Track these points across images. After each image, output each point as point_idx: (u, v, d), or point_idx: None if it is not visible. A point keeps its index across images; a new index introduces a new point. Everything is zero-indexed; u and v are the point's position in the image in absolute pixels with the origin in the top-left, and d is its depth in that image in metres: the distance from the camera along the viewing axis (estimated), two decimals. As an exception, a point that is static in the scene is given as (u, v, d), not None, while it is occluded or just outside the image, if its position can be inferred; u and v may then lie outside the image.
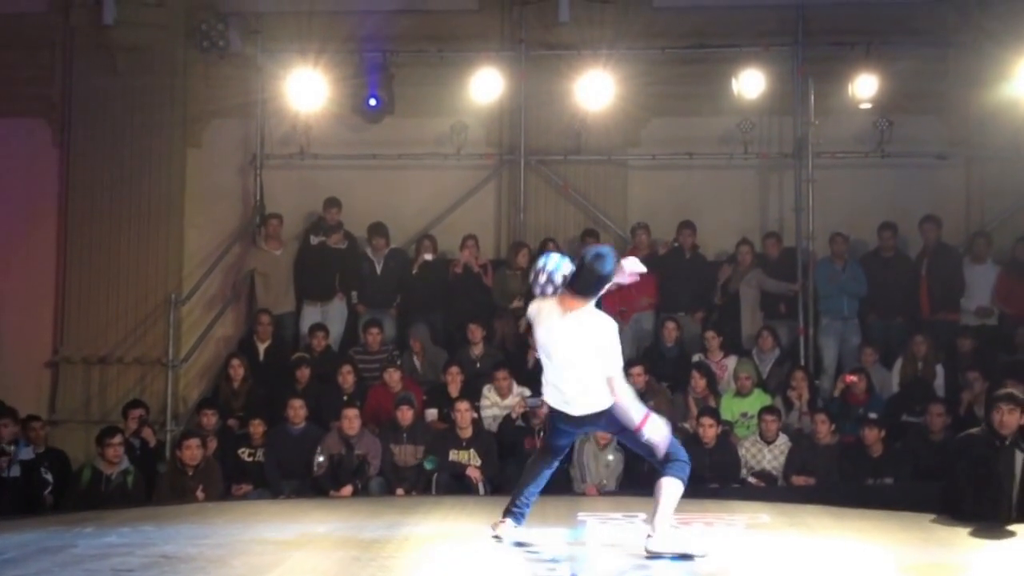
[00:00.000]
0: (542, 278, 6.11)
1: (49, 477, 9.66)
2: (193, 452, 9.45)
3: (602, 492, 9.48)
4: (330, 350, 11.61)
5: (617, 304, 10.26)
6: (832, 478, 9.73)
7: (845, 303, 11.64)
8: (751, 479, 9.86)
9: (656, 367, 10.95)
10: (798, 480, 9.75)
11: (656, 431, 6.05)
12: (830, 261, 11.78)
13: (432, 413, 10.63)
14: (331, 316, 12.03)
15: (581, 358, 5.99)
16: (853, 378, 10.64)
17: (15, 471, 9.64)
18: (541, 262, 6.20)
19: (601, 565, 6.01)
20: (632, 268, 6.33)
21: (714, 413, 10.04)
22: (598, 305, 6.17)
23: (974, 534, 6.93)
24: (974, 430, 7.80)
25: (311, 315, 12.01)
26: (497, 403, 10.52)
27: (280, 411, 10.32)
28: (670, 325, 11.41)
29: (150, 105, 12.58)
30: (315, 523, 7.32)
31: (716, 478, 9.63)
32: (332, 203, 12.15)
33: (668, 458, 6.11)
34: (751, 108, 12.08)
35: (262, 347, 11.69)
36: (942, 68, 12.26)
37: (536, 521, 6.50)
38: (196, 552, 6.14)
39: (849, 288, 11.63)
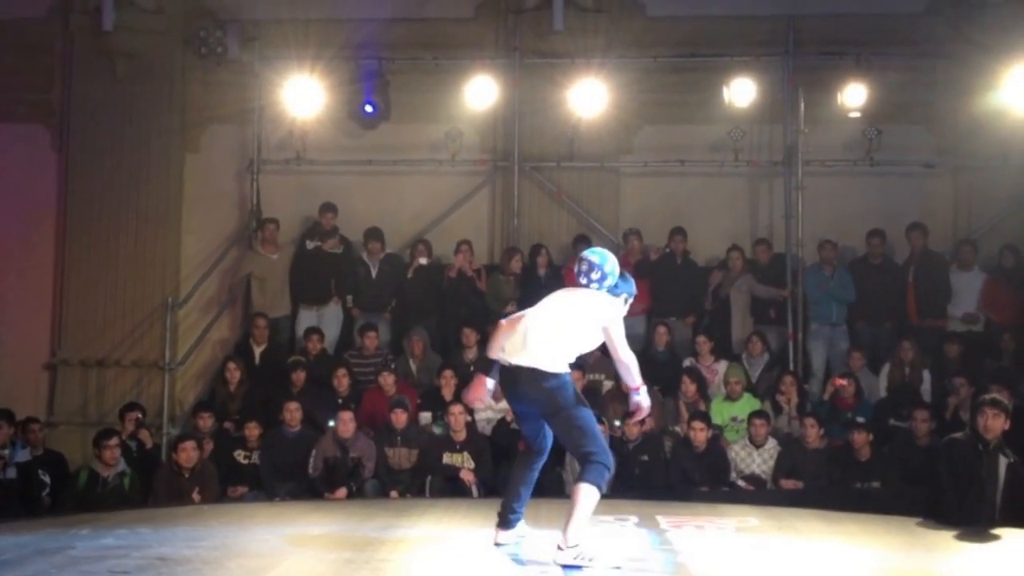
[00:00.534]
0: (595, 274, 6.24)
1: (46, 479, 9.67)
2: (189, 454, 9.47)
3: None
4: (325, 354, 11.65)
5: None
6: (820, 482, 9.75)
7: (834, 309, 11.76)
8: (740, 482, 9.90)
9: (647, 371, 10.89)
10: (787, 484, 9.76)
11: (647, 398, 6.36)
12: (819, 267, 11.88)
13: (426, 416, 10.70)
14: (327, 320, 12.08)
15: (571, 320, 6.14)
16: (842, 382, 10.69)
17: (11, 473, 9.69)
18: (598, 258, 6.29)
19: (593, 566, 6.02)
20: (471, 397, 6.59)
21: (704, 417, 10.09)
22: None
23: (959, 538, 7.00)
24: (958, 434, 7.86)
25: (307, 319, 12.04)
26: (491, 406, 10.52)
27: (276, 414, 10.37)
28: (661, 330, 11.50)
29: (148, 111, 12.64)
30: (310, 525, 7.33)
31: (706, 481, 9.72)
32: (328, 208, 12.21)
33: (590, 458, 5.99)
34: (742, 116, 12.17)
35: (258, 350, 11.76)
36: (930, 78, 12.37)
37: (528, 524, 6.53)
38: (192, 554, 6.14)
39: (838, 294, 11.75)
